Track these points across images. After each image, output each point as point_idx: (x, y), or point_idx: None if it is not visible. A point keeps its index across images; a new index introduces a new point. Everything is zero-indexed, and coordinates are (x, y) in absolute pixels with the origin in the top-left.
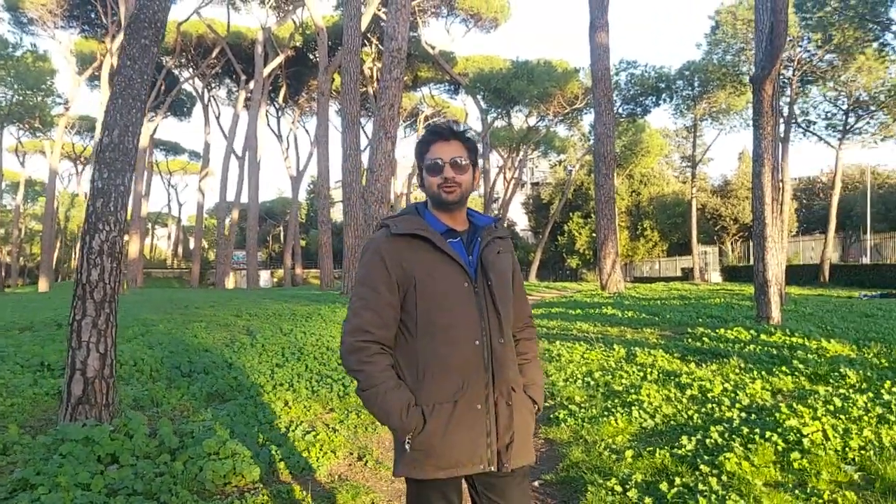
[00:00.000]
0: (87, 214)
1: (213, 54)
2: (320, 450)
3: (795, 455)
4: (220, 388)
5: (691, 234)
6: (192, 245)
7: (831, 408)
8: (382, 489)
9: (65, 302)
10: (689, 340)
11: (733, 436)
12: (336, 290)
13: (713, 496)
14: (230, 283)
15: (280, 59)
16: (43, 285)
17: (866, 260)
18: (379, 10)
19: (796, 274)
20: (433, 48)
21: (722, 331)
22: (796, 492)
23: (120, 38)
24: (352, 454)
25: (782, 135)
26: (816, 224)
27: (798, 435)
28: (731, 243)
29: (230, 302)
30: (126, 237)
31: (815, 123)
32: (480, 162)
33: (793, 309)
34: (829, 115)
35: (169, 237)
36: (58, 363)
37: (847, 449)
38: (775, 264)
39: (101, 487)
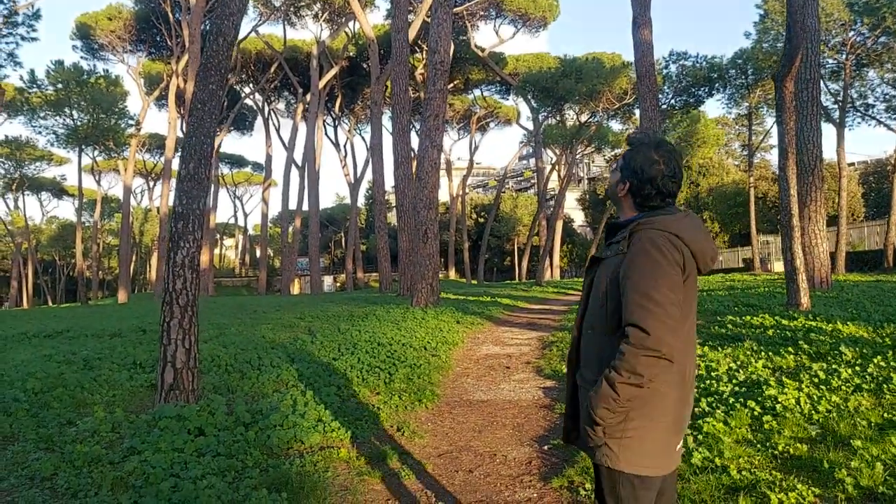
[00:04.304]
0: (170, 234)
1: (272, 69)
2: (366, 423)
3: (767, 418)
4: (285, 378)
5: (751, 225)
6: (258, 253)
7: (815, 380)
8: (415, 452)
9: (145, 311)
10: (716, 328)
11: (718, 404)
12: (393, 291)
13: (683, 451)
14: (295, 288)
15: (335, 70)
16: (122, 297)
17: None
18: (427, 18)
19: (860, 260)
20: (483, 51)
21: (748, 318)
22: (757, 445)
23: (184, 59)
24: (392, 427)
25: (837, 120)
26: (888, 208)
27: (773, 402)
28: None
29: (294, 306)
30: None
31: (873, 107)
32: (533, 161)
33: (834, 295)
34: (887, 97)
35: (236, 246)
36: (147, 361)
37: (814, 412)
38: (803, 252)
39: (192, 451)
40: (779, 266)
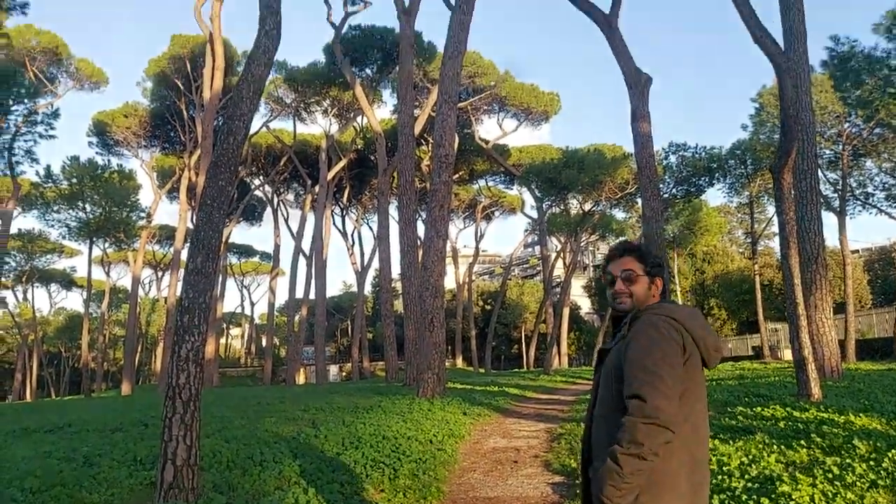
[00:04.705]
0: (176, 328)
1: (282, 162)
2: None
3: None
4: (287, 474)
5: (759, 312)
6: (264, 343)
7: (830, 475)
8: None
9: (148, 404)
10: (726, 419)
11: (731, 502)
12: (399, 381)
13: None
14: (300, 378)
15: (343, 162)
16: (126, 388)
17: None
18: (433, 112)
19: (870, 348)
20: (487, 143)
21: (759, 409)
22: None
23: (197, 153)
24: None
25: (838, 208)
26: (895, 295)
27: (788, 499)
28: None
29: (299, 398)
30: None
31: (873, 195)
32: (538, 249)
33: (845, 385)
34: (886, 185)
35: (242, 336)
36: (148, 458)
37: None
38: (812, 343)
39: None
40: (788, 354)
